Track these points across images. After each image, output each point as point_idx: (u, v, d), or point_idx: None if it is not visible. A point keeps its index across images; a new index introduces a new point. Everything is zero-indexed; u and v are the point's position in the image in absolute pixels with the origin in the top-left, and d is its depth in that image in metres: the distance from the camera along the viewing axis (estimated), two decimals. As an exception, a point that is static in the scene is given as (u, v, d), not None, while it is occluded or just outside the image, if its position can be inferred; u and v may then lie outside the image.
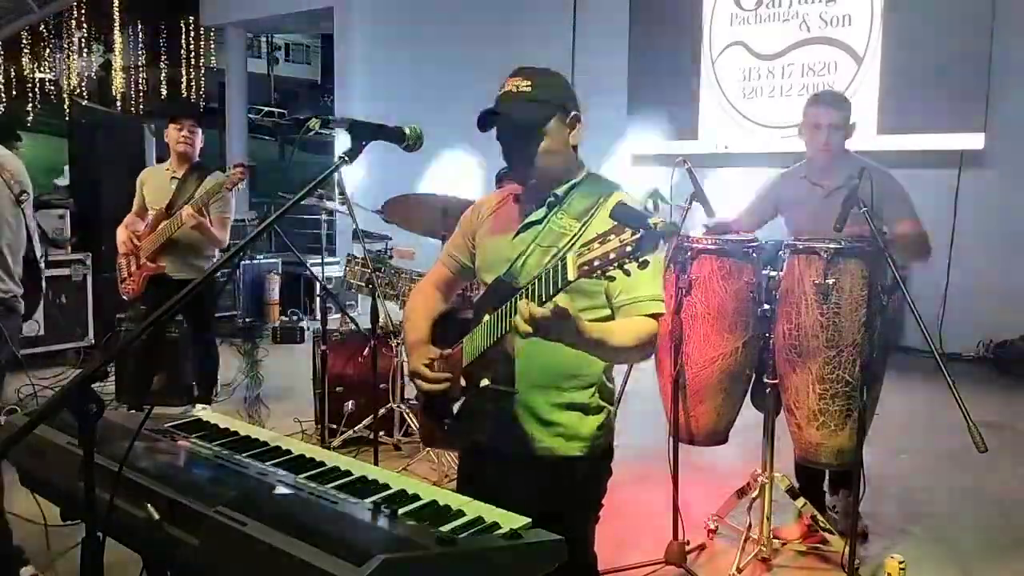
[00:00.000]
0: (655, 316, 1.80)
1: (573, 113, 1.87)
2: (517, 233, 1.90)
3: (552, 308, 1.51)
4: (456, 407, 1.83)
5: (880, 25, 6.89)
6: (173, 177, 4.39)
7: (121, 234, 4.38)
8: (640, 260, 1.40)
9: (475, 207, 2.11)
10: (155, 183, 4.46)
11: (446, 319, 1.99)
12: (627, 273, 1.43)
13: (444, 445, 2.07)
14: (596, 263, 1.41)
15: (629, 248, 1.38)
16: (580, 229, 1.79)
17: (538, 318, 1.51)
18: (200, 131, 4.50)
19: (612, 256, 1.39)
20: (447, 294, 2.13)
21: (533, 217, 1.89)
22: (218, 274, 1.63)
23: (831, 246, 2.82)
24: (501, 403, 1.79)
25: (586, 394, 1.89)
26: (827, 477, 3.42)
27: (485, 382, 1.73)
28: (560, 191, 1.88)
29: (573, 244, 1.78)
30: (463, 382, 1.79)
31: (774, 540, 3.16)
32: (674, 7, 8.05)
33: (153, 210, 4.37)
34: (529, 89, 1.82)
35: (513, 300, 1.62)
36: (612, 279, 1.46)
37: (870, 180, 2.84)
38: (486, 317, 1.74)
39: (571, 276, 1.45)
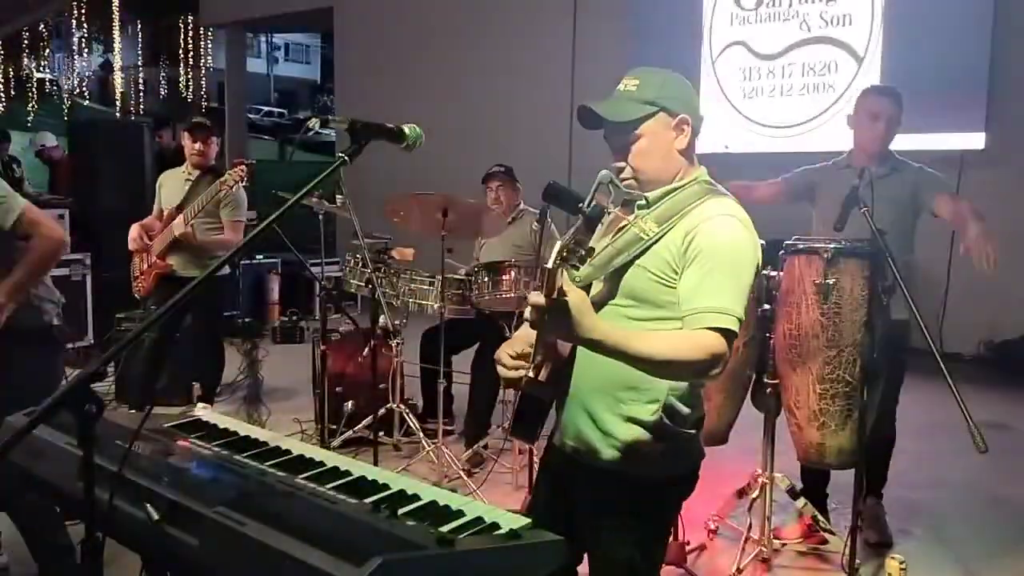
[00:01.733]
0: (722, 331, 1.61)
1: (680, 117, 1.78)
2: (615, 238, 1.84)
3: (552, 298, 1.43)
4: (516, 399, 1.80)
5: (880, 25, 6.89)
6: (187, 179, 4.47)
7: (133, 231, 4.43)
8: (586, 248, 1.37)
9: None
10: (171, 185, 4.55)
11: None
12: (581, 261, 1.39)
13: (514, 434, 2.06)
14: (563, 251, 1.39)
15: (576, 234, 1.37)
16: (656, 235, 1.72)
17: (532, 304, 1.45)
18: (216, 139, 4.58)
19: (571, 244, 1.38)
20: None
21: (624, 221, 1.81)
22: (221, 273, 1.63)
23: (831, 246, 2.82)
24: (546, 400, 1.75)
25: (647, 410, 1.76)
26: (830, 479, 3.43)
27: (542, 376, 1.71)
28: (652, 195, 1.79)
29: (645, 250, 1.73)
30: (531, 374, 1.74)
31: (774, 540, 3.16)
32: (674, 7, 8.05)
33: (167, 210, 4.42)
34: (635, 88, 1.77)
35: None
36: (576, 267, 1.43)
37: (870, 182, 2.86)
38: None
39: (550, 264, 1.41)
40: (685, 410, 1.80)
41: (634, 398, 1.77)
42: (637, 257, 1.74)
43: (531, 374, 1.70)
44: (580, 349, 1.73)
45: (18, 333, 2.68)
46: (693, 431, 1.84)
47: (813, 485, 3.33)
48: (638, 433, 1.77)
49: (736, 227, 1.73)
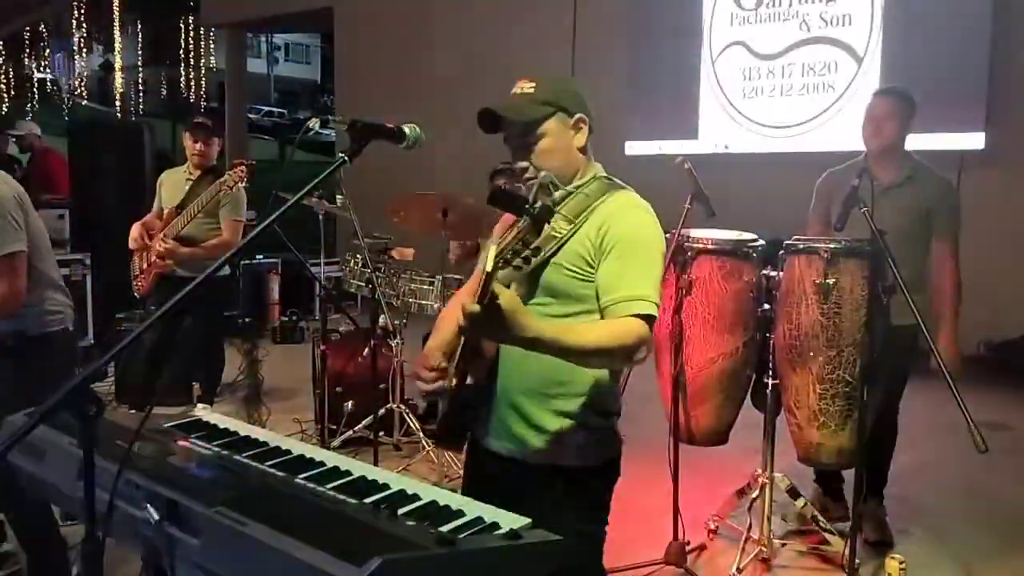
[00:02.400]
0: (644, 318, 1.70)
1: (578, 115, 1.85)
2: None
3: (485, 303, 1.45)
4: (446, 406, 1.84)
5: (880, 25, 6.90)
6: (188, 179, 4.47)
7: (134, 231, 4.43)
8: (532, 247, 1.39)
9: (504, 218, 2.08)
10: (172, 184, 4.55)
11: None
12: (526, 261, 1.41)
13: (442, 443, 2.08)
14: (505, 253, 1.41)
15: (522, 236, 1.39)
16: (569, 233, 1.78)
17: (467, 313, 1.47)
18: (217, 139, 4.57)
19: (514, 246, 1.40)
20: None
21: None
22: (221, 273, 1.63)
23: (831, 246, 2.82)
24: (480, 402, 1.79)
25: (576, 403, 1.83)
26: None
27: (469, 381, 1.74)
28: (557, 194, 1.83)
29: (559, 248, 1.78)
30: (454, 382, 1.79)
31: (775, 540, 3.16)
32: (674, 7, 8.05)
33: (167, 209, 4.42)
34: (532, 90, 1.83)
35: None
36: (519, 268, 1.46)
37: (869, 181, 2.86)
38: None
39: (488, 268, 1.43)
40: (609, 399, 1.88)
41: (562, 392, 1.83)
42: (552, 255, 1.79)
43: (455, 381, 1.73)
44: (504, 350, 1.78)
45: (36, 339, 2.68)
46: (615, 419, 1.92)
47: (826, 478, 3.34)
48: (568, 425, 1.83)
49: (646, 218, 1.82)
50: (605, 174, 1.91)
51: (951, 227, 3.27)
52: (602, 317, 1.76)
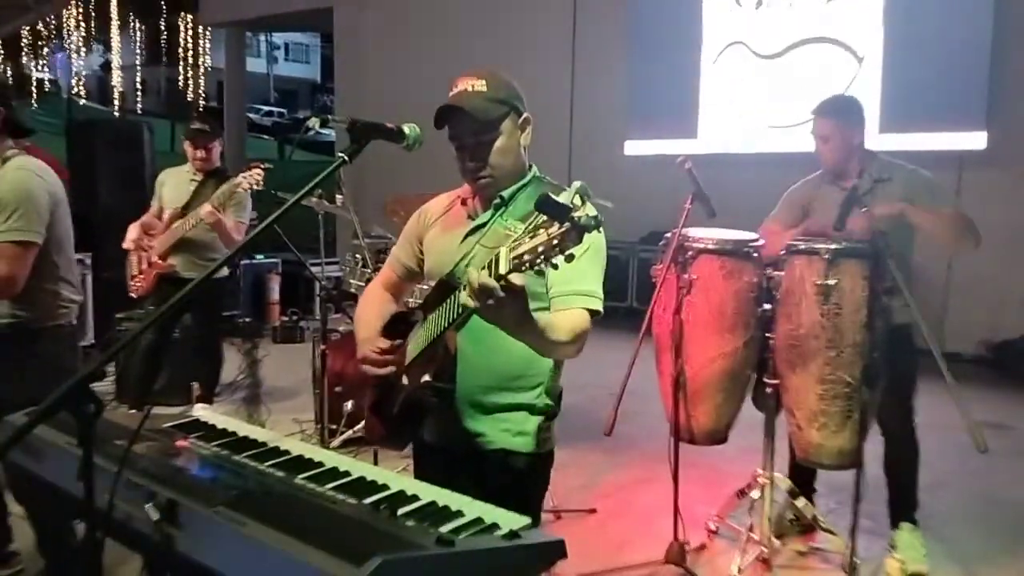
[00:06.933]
0: (590, 312, 1.77)
1: (524, 115, 1.89)
2: (465, 237, 1.91)
3: (504, 282, 1.40)
4: (397, 405, 1.84)
5: (881, 24, 6.90)
6: (192, 180, 4.39)
7: (132, 232, 4.37)
8: (567, 254, 1.40)
9: (421, 212, 2.11)
10: (174, 184, 4.46)
11: (396, 322, 1.97)
12: (554, 267, 1.42)
13: (387, 443, 2.08)
14: (527, 257, 1.40)
15: (556, 242, 1.38)
16: (523, 232, 1.79)
17: (488, 287, 1.40)
18: (217, 142, 4.47)
19: (541, 250, 1.39)
20: (396, 296, 2.15)
21: (479, 220, 1.90)
22: (222, 273, 1.63)
23: (832, 246, 2.82)
24: (441, 400, 1.79)
25: (532, 394, 1.90)
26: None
27: (426, 378, 1.74)
28: (506, 193, 1.88)
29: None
30: (405, 380, 1.80)
31: (774, 540, 3.16)
32: (674, 7, 8.06)
33: (170, 210, 4.37)
34: (484, 88, 1.82)
35: (453, 298, 1.64)
36: (541, 274, 1.46)
37: (869, 179, 2.84)
38: (429, 316, 1.76)
39: (503, 270, 1.40)
40: (559, 387, 1.96)
41: (521, 385, 1.88)
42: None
43: (408, 379, 1.74)
44: (465, 349, 1.77)
45: (45, 329, 2.70)
46: (558, 407, 1.98)
47: (801, 483, 3.31)
48: (530, 417, 1.89)
49: None
50: (540, 174, 1.95)
51: (941, 198, 3.08)
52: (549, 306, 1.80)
